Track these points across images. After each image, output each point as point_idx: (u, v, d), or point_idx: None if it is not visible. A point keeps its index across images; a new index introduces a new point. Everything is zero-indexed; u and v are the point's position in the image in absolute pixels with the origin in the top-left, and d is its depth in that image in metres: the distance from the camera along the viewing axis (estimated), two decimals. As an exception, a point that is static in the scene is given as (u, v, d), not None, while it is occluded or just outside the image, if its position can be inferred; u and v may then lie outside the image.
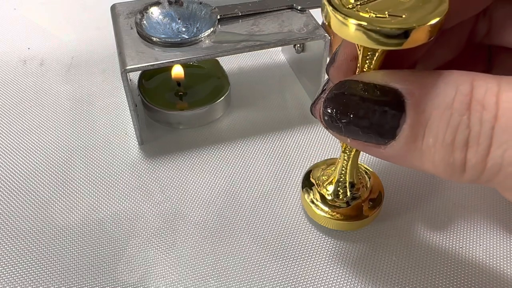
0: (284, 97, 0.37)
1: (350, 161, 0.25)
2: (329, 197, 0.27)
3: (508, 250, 0.27)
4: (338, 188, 0.26)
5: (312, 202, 0.27)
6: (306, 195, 0.27)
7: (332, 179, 0.27)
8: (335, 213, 0.26)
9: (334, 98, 0.19)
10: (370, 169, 0.29)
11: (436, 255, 0.27)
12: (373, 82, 0.18)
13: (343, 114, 0.18)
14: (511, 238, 0.27)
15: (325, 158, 0.32)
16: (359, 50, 0.20)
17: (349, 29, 0.17)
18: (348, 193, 0.26)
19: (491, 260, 0.26)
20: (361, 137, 0.18)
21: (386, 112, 0.17)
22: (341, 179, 0.26)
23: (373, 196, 0.27)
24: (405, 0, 0.18)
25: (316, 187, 0.27)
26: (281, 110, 0.36)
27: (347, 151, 0.25)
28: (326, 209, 0.26)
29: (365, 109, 0.18)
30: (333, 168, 0.27)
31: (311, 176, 0.28)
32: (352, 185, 0.26)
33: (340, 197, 0.26)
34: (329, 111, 0.19)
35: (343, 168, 0.26)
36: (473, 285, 0.25)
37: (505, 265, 0.26)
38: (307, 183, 0.28)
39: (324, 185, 0.27)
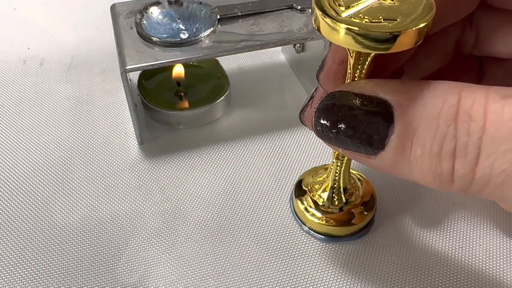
0: (284, 97, 0.37)
1: (343, 167, 0.25)
2: (323, 204, 0.27)
3: (508, 250, 0.27)
4: (333, 195, 0.26)
5: (306, 210, 0.27)
6: (299, 203, 0.27)
7: (326, 186, 0.27)
8: (329, 219, 0.26)
9: (324, 109, 0.19)
10: (361, 174, 0.29)
11: (436, 255, 0.27)
12: (363, 93, 0.18)
13: (333, 124, 0.18)
14: (511, 238, 0.27)
15: (325, 158, 0.32)
16: (351, 56, 0.20)
17: (339, 34, 0.17)
18: (344, 199, 0.26)
19: (491, 260, 0.26)
20: (351, 147, 0.18)
21: (375, 123, 0.17)
22: (335, 185, 0.26)
23: (366, 199, 0.27)
24: (394, 5, 0.18)
25: (309, 193, 0.27)
26: (281, 110, 0.36)
27: (340, 157, 0.25)
28: (320, 215, 0.27)
29: (354, 120, 0.18)
30: (325, 175, 0.27)
31: (302, 184, 0.28)
32: (345, 190, 0.26)
33: (336, 203, 0.27)
34: (321, 121, 0.19)
35: (337, 174, 0.26)
36: (473, 285, 0.25)
37: (505, 266, 0.26)
38: (300, 192, 0.28)
39: (318, 192, 0.27)
